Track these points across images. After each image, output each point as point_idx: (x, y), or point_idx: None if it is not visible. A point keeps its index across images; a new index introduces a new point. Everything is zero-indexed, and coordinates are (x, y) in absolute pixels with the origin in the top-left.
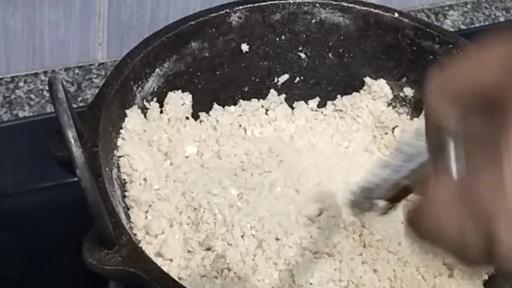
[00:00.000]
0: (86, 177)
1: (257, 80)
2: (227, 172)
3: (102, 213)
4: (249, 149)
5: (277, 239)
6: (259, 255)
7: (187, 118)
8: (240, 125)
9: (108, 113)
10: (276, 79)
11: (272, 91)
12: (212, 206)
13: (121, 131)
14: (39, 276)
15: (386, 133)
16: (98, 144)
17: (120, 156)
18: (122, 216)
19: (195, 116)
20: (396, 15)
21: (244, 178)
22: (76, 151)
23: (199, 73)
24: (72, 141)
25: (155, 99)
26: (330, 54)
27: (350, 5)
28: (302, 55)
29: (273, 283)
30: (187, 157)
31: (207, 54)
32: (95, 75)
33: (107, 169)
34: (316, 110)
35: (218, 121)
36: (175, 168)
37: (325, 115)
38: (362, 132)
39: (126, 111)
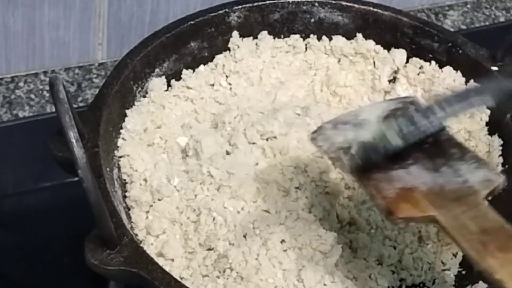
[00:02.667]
0: (88, 178)
1: None
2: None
3: (104, 213)
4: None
5: (283, 241)
6: (262, 255)
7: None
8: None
9: (108, 113)
10: None
11: None
12: (211, 209)
13: (121, 131)
14: (39, 276)
15: None
16: (99, 145)
17: (120, 157)
18: (123, 217)
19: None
20: (395, 14)
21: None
22: (78, 151)
23: None
24: (74, 141)
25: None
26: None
27: (349, 4)
28: None
29: (277, 282)
30: (183, 150)
31: (206, 54)
32: (95, 75)
33: (107, 169)
34: None
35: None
36: (174, 166)
37: None
38: None
39: (126, 111)
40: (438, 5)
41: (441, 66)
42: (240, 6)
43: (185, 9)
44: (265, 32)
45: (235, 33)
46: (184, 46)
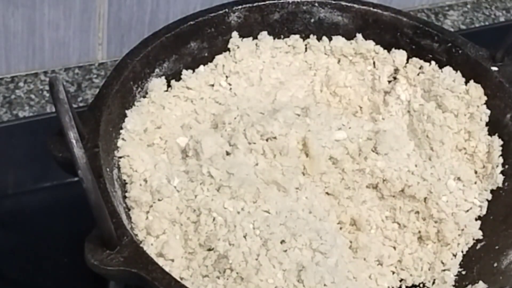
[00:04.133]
0: (88, 178)
1: None
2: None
3: (104, 214)
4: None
5: (283, 241)
6: (263, 255)
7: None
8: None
9: (108, 114)
10: None
11: None
12: (211, 210)
13: (121, 131)
14: (39, 276)
15: None
16: (99, 145)
17: (120, 157)
18: (123, 217)
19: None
20: (395, 14)
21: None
22: (78, 152)
23: None
24: (74, 142)
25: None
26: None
27: (349, 4)
28: None
29: (277, 283)
30: (183, 151)
31: (206, 54)
32: (95, 75)
33: (107, 169)
34: None
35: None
36: (174, 167)
37: None
38: None
39: (126, 111)
40: (438, 5)
41: (441, 66)
42: (240, 6)
43: (185, 9)
44: (265, 33)
45: (235, 34)
46: (184, 46)
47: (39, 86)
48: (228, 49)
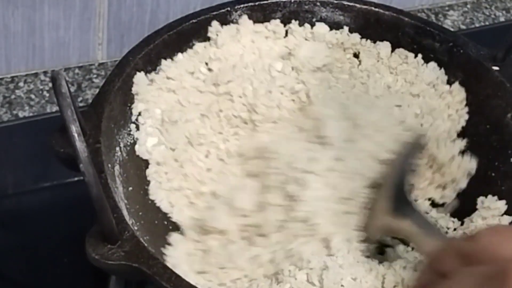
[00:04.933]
0: (90, 172)
1: None
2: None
3: (105, 207)
4: None
5: None
6: None
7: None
8: None
9: (110, 110)
10: None
11: None
12: None
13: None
14: (39, 276)
15: None
16: (100, 141)
17: None
18: (124, 212)
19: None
20: (396, 13)
21: None
22: (80, 145)
23: None
24: (76, 135)
25: None
26: None
27: (351, 3)
28: None
29: None
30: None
31: None
32: (95, 75)
33: (109, 165)
34: None
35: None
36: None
37: None
38: None
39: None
40: (438, 5)
41: (442, 66)
42: (242, 5)
43: (185, 9)
44: (245, 16)
45: (215, 23)
46: (186, 44)
47: (39, 86)
48: (209, 38)
